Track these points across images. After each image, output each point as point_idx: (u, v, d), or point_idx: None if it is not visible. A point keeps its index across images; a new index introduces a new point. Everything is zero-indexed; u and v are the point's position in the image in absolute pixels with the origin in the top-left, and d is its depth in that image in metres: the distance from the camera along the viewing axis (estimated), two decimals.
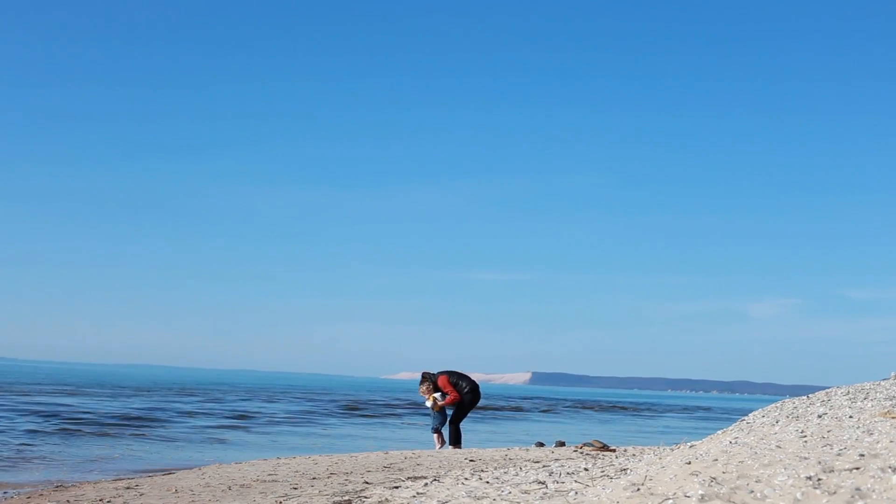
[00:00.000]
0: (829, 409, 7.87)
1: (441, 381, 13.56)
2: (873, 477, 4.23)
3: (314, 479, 9.00)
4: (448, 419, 13.52)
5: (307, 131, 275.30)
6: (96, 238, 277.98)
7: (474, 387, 13.72)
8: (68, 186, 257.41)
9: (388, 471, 9.54)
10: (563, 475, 7.06)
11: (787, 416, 8.20)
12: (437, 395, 13.41)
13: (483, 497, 6.13)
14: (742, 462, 4.97)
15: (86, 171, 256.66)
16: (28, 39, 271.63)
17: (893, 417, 6.77)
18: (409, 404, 40.91)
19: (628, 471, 6.69)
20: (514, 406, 44.99)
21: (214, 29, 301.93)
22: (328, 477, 9.11)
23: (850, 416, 7.05)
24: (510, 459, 10.46)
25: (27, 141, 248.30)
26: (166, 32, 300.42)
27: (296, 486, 8.37)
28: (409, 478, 8.41)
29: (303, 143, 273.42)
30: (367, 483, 8.23)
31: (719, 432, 9.09)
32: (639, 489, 4.87)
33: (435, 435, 13.49)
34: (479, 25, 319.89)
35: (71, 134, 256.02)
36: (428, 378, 13.63)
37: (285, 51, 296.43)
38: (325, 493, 7.66)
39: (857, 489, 4.06)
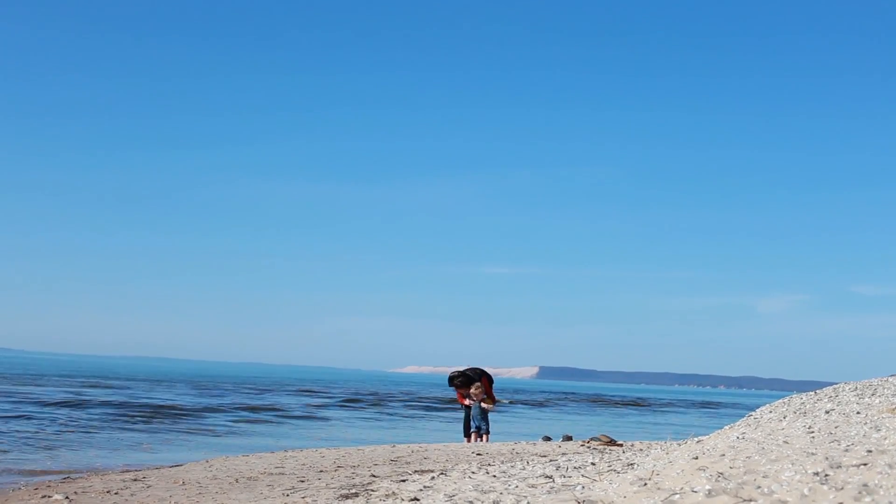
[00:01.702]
0: (837, 405, 7.86)
1: (485, 383, 13.28)
2: (881, 473, 4.22)
3: (321, 471, 9.01)
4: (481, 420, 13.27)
5: (315, 125, 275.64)
6: (102, 230, 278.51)
7: None
8: (73, 179, 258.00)
9: (395, 464, 9.55)
10: (570, 469, 7.07)
11: (795, 412, 8.18)
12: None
13: (490, 491, 6.14)
14: (749, 457, 4.96)
15: (92, 164, 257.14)
16: (28, 32, 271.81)
17: None
18: (419, 398, 40.95)
19: (635, 465, 6.69)
20: (521, 400, 45.00)
21: (217, 21, 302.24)
22: (335, 470, 9.12)
23: (858, 412, 7.04)
24: (517, 453, 10.47)
25: (34, 134, 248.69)
26: (168, 25, 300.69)
27: (303, 479, 8.39)
28: (416, 471, 8.42)
29: (310, 136, 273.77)
30: (374, 476, 8.24)
31: (726, 427, 9.08)
32: (646, 484, 4.87)
33: (475, 437, 13.27)
34: (487, 19, 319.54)
35: (77, 127, 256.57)
36: (476, 378, 13.22)
37: (294, 44, 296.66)
38: (333, 485, 7.68)
39: (865, 485, 4.05)
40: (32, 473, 10.20)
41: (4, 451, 12.19)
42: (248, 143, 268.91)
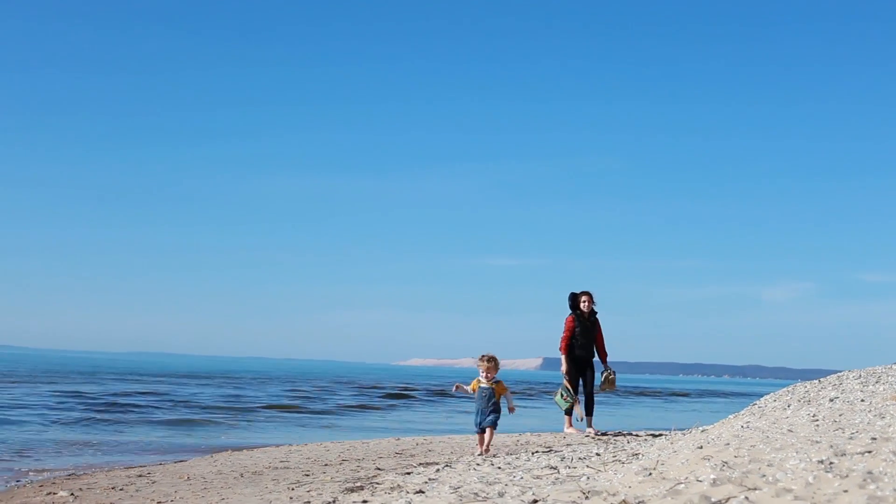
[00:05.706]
0: (841, 393, 7.86)
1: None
2: (885, 460, 4.21)
3: (326, 465, 9.02)
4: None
5: (316, 118, 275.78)
6: (102, 226, 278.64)
7: None
8: (73, 174, 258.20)
9: (400, 457, 9.56)
10: (574, 460, 7.07)
11: (799, 401, 8.18)
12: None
13: (495, 482, 6.14)
14: (754, 446, 4.96)
15: (92, 160, 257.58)
16: (24, 25, 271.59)
17: None
18: (434, 391, 40.95)
19: (640, 455, 6.69)
20: (525, 390, 45.02)
21: (215, 15, 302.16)
22: (340, 463, 9.14)
23: (862, 400, 7.05)
24: (522, 445, 10.48)
25: (32, 129, 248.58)
26: (165, 19, 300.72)
27: (308, 473, 8.40)
28: (420, 464, 8.43)
29: (312, 130, 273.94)
30: (378, 469, 8.25)
31: (731, 417, 9.08)
32: (650, 474, 4.87)
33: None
34: (492, 10, 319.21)
35: (75, 122, 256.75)
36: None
37: (293, 37, 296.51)
38: (338, 479, 7.68)
39: (869, 473, 4.04)
40: (38, 468, 10.21)
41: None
42: (249, 138, 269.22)
